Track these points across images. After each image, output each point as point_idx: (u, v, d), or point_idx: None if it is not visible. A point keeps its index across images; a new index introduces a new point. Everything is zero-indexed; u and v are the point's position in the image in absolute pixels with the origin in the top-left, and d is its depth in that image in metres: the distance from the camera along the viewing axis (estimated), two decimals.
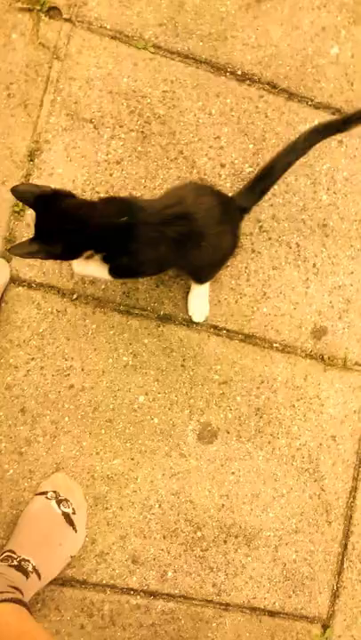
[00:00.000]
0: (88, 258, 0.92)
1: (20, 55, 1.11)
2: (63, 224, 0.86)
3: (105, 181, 1.14)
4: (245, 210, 1.06)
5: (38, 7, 1.12)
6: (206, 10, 1.18)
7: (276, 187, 1.19)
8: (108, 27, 1.15)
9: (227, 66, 1.19)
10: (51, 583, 1.09)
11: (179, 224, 0.91)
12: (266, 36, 1.20)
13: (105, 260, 0.93)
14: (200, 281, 1.12)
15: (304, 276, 1.22)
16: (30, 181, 1.11)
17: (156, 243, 0.92)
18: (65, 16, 1.13)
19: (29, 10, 1.12)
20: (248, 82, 1.20)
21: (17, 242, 1.09)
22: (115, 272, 0.96)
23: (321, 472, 1.22)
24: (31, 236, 0.88)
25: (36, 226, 0.87)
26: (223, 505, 1.19)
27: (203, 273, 1.10)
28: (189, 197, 0.94)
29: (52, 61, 1.12)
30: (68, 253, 0.91)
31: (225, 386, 1.19)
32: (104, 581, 1.13)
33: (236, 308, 1.20)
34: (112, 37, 1.15)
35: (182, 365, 1.18)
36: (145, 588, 1.15)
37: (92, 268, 0.96)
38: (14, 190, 0.86)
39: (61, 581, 1.11)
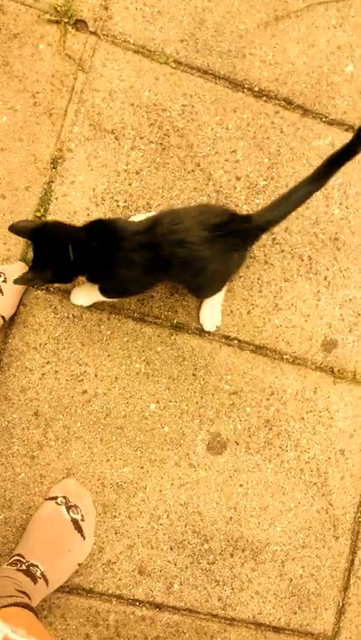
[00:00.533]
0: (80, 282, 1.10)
1: (47, 65, 1.24)
2: (48, 251, 1.02)
3: (124, 190, 1.27)
4: (263, 229, 1.13)
5: (66, 19, 1.24)
6: (226, 27, 1.34)
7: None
8: (132, 41, 1.29)
9: (244, 82, 1.34)
10: (57, 590, 1.18)
11: (144, 251, 1.03)
12: (283, 54, 1.36)
13: (90, 280, 1.10)
14: (199, 297, 1.24)
15: (315, 289, 1.35)
16: (52, 188, 1.23)
17: (130, 265, 1.05)
18: (91, 29, 1.25)
19: (57, 22, 1.24)
20: (265, 98, 1.35)
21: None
22: (103, 292, 1.13)
23: (329, 486, 1.34)
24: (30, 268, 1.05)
25: (33, 256, 1.04)
26: (231, 517, 1.29)
27: (199, 291, 1.21)
28: (165, 222, 1.04)
29: (77, 72, 1.25)
30: (60, 278, 1.07)
31: (235, 396, 1.31)
32: (110, 591, 1.23)
33: (248, 318, 1.33)
34: (135, 51, 1.29)
35: (193, 374, 1.30)
36: (151, 599, 1.25)
37: (84, 294, 1.16)
38: (11, 227, 1.01)
39: (68, 589, 1.20)
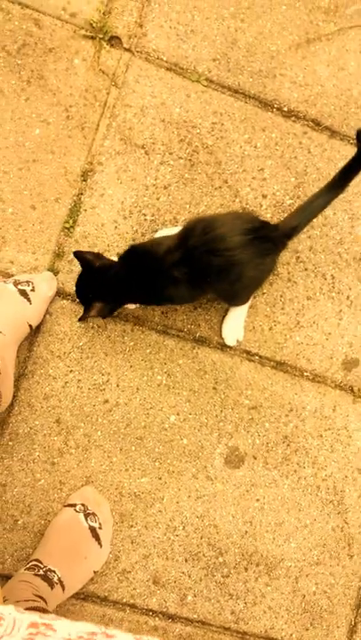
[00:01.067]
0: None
1: (81, 80, 1.26)
2: (109, 284, 1.11)
3: (152, 204, 1.29)
4: (289, 236, 1.15)
5: (101, 35, 1.26)
6: (258, 48, 1.35)
7: (314, 220, 1.34)
8: (165, 58, 1.30)
9: (274, 102, 1.35)
10: (72, 597, 1.18)
11: (181, 266, 1.06)
12: (313, 76, 1.37)
13: (144, 304, 1.19)
14: (232, 304, 1.26)
15: (338, 308, 1.35)
16: (82, 200, 1.24)
17: (175, 284, 1.07)
18: (125, 46, 1.28)
19: (92, 38, 1.26)
20: (293, 118, 1.36)
21: (65, 257, 1.25)
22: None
23: (345, 505, 1.33)
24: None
25: (95, 288, 1.11)
26: (246, 531, 1.29)
27: (234, 299, 1.21)
28: (197, 233, 1.05)
29: (110, 88, 1.27)
30: (116, 307, 1.16)
31: (254, 411, 1.31)
32: (124, 600, 1.23)
33: (270, 335, 1.33)
34: (168, 69, 1.31)
35: (214, 388, 1.30)
36: (164, 610, 1.25)
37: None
38: (77, 254, 1.10)
39: (83, 596, 1.21)
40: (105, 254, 1.23)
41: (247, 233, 1.05)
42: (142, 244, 1.15)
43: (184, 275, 1.05)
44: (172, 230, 1.23)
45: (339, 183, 1.14)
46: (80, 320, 1.16)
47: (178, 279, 1.06)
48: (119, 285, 1.10)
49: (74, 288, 1.19)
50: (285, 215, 1.31)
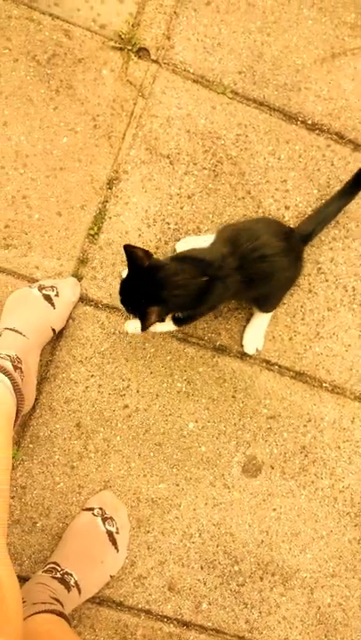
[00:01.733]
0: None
1: (109, 90, 1.27)
2: (170, 290, 1.03)
3: (175, 213, 1.29)
4: (306, 241, 1.22)
5: (129, 47, 1.27)
6: (283, 61, 1.35)
7: (336, 231, 1.34)
8: (192, 70, 1.31)
9: (298, 115, 1.35)
10: (88, 601, 1.18)
11: (237, 274, 1.06)
12: (337, 90, 1.37)
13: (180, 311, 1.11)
14: (265, 310, 1.25)
15: (358, 320, 1.34)
16: (107, 208, 1.25)
17: (223, 292, 1.08)
18: (153, 57, 1.29)
19: (121, 49, 1.27)
20: (317, 131, 1.36)
21: (89, 264, 1.25)
22: (178, 322, 1.14)
23: None
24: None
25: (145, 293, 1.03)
26: (262, 541, 1.28)
27: (268, 304, 1.22)
28: (243, 241, 1.06)
29: (137, 98, 1.28)
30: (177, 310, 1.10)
31: (273, 420, 1.31)
32: (140, 605, 1.22)
33: (290, 345, 1.32)
34: (194, 81, 1.32)
35: (233, 397, 1.30)
36: (179, 617, 1.24)
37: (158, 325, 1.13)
38: (127, 247, 1.02)
39: (99, 600, 1.20)
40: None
41: (284, 239, 1.11)
42: (192, 251, 1.11)
43: (235, 282, 1.06)
44: (195, 239, 1.23)
45: (350, 190, 1.26)
46: (143, 330, 1.03)
47: (229, 288, 1.07)
48: (176, 288, 1.03)
49: (96, 294, 1.20)
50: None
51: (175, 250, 1.25)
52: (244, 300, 1.22)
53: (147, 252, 1.03)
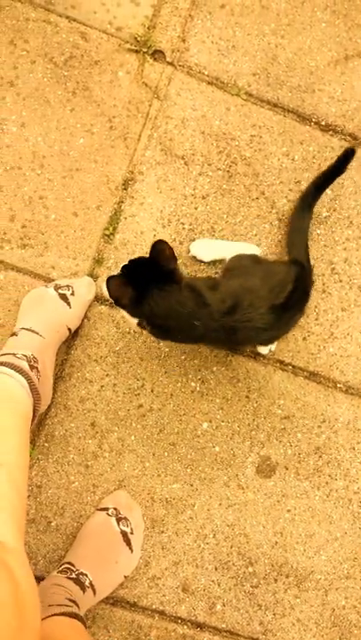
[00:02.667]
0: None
1: (125, 92, 1.26)
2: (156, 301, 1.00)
3: (190, 214, 1.28)
4: (303, 266, 1.19)
5: (145, 49, 1.27)
6: (297, 63, 1.35)
7: (350, 232, 1.32)
8: (206, 72, 1.30)
9: (312, 116, 1.34)
10: (102, 601, 1.16)
11: (221, 331, 1.04)
12: (351, 91, 1.36)
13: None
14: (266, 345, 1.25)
15: None
16: (122, 208, 1.23)
17: (201, 335, 1.06)
18: (168, 59, 1.28)
19: (136, 51, 1.27)
20: (331, 132, 1.35)
21: (105, 264, 1.25)
22: (152, 330, 1.08)
23: None
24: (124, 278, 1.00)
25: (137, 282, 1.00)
26: (277, 542, 1.26)
27: (268, 343, 1.23)
28: (245, 303, 1.03)
29: (152, 100, 1.27)
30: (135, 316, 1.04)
31: (287, 421, 1.29)
32: (154, 606, 1.20)
33: (304, 345, 1.31)
34: (209, 83, 1.31)
35: (247, 397, 1.28)
36: (193, 618, 1.22)
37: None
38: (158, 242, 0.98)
39: (113, 601, 1.18)
40: None
41: (281, 309, 1.07)
42: (202, 287, 1.06)
43: (217, 335, 1.06)
44: (209, 242, 1.22)
45: (311, 201, 1.26)
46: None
47: (211, 337, 1.07)
48: (160, 314, 1.02)
49: None
50: (322, 227, 1.30)
51: (189, 250, 1.24)
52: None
53: (174, 258, 1.01)
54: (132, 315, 1.03)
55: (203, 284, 1.07)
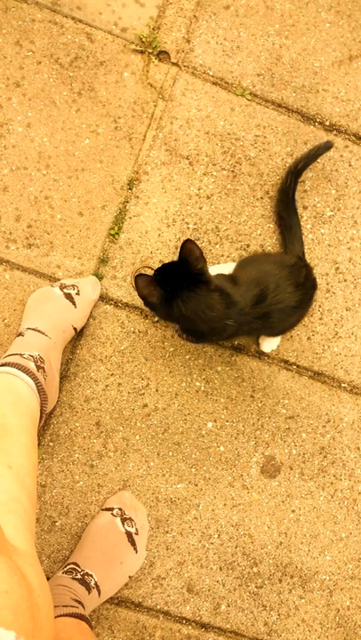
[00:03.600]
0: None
1: (130, 92, 1.25)
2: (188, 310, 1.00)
3: (194, 214, 1.27)
4: (302, 259, 1.21)
5: (150, 50, 1.26)
6: (302, 64, 1.34)
7: (354, 231, 1.31)
8: (211, 73, 1.29)
9: (316, 116, 1.33)
10: (107, 601, 1.14)
11: (258, 321, 1.06)
12: (355, 91, 1.35)
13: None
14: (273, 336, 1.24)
15: None
16: (127, 208, 1.23)
17: (236, 332, 1.08)
18: (173, 60, 1.27)
19: (142, 52, 1.26)
20: (335, 132, 1.34)
21: (110, 263, 1.24)
22: (184, 337, 1.12)
23: None
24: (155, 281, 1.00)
25: (166, 287, 1.00)
26: (281, 542, 1.24)
27: (282, 333, 1.23)
28: (270, 292, 1.04)
29: (157, 100, 1.26)
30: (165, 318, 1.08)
31: (291, 421, 1.27)
32: (158, 606, 1.19)
33: (308, 344, 1.30)
34: (213, 83, 1.30)
35: (251, 396, 1.27)
36: (197, 618, 1.20)
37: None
38: (186, 242, 0.98)
39: (117, 601, 1.16)
40: (148, 261, 1.22)
41: (302, 289, 1.09)
42: (224, 284, 1.07)
43: (252, 327, 1.08)
44: (217, 268, 1.21)
45: (291, 203, 1.25)
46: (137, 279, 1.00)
47: (244, 330, 1.09)
48: (193, 317, 1.02)
49: (117, 293, 1.18)
50: (326, 227, 1.28)
51: None
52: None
53: (203, 258, 1.00)
54: (162, 317, 1.05)
55: (225, 281, 1.07)
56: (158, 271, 1.03)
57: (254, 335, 1.24)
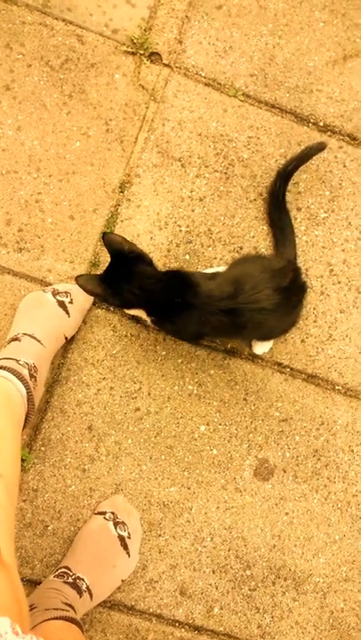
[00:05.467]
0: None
1: (121, 94, 1.21)
2: (131, 286, 0.98)
3: (187, 216, 1.23)
4: (293, 262, 1.18)
5: (141, 51, 1.22)
6: (295, 64, 1.29)
7: (348, 233, 1.27)
8: (203, 74, 1.25)
9: (310, 117, 1.29)
10: (99, 605, 1.12)
11: (224, 317, 1.01)
12: (349, 91, 1.30)
13: (150, 315, 1.06)
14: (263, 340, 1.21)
15: None
16: (119, 211, 1.20)
17: (202, 323, 1.03)
18: (165, 61, 1.23)
19: (133, 53, 1.22)
20: (329, 133, 1.29)
21: (102, 267, 1.21)
22: (156, 324, 1.09)
23: None
24: (99, 275, 1.01)
25: (108, 273, 1.00)
26: (275, 545, 1.22)
27: (267, 339, 1.19)
28: (247, 290, 1.00)
29: (149, 102, 1.22)
30: (124, 306, 1.05)
31: (285, 424, 1.24)
32: (151, 610, 1.16)
33: (302, 347, 1.26)
34: (206, 84, 1.26)
35: (244, 399, 1.23)
36: (190, 621, 1.18)
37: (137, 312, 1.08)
38: (104, 236, 1.00)
39: (110, 604, 1.14)
40: None
41: (284, 293, 1.04)
42: (190, 274, 1.08)
43: (219, 322, 1.02)
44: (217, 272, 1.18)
45: (282, 205, 1.21)
46: (77, 280, 1.01)
47: (211, 323, 1.03)
48: (138, 288, 1.01)
49: None
50: (320, 228, 1.25)
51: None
52: (239, 340, 1.21)
53: (130, 244, 1.01)
54: (121, 305, 1.04)
55: (200, 276, 1.06)
56: (103, 273, 1.02)
57: (233, 338, 1.20)
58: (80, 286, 1.00)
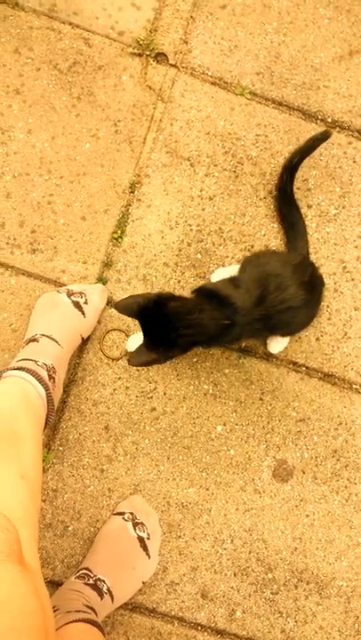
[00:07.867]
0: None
1: (129, 96, 1.64)
2: (177, 330, 1.28)
3: (197, 215, 1.66)
4: (306, 257, 1.58)
5: (148, 52, 1.64)
6: (301, 61, 1.75)
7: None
8: (210, 73, 1.68)
9: (318, 113, 1.74)
10: (121, 607, 1.46)
11: (259, 324, 1.36)
12: (357, 87, 1.75)
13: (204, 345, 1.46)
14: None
15: None
16: (129, 211, 1.62)
17: (241, 333, 1.40)
18: (171, 62, 1.65)
19: (139, 55, 1.65)
20: (338, 129, 1.73)
21: (114, 267, 1.63)
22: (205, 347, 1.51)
23: None
24: (142, 345, 1.31)
25: (148, 335, 1.30)
26: (296, 548, 1.61)
27: (291, 333, 1.59)
28: (272, 291, 1.35)
29: (156, 103, 1.65)
30: (186, 351, 1.39)
31: (302, 424, 1.65)
32: (173, 612, 1.54)
33: (317, 345, 1.68)
34: (212, 83, 1.70)
35: (260, 399, 1.65)
36: (213, 625, 1.55)
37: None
38: (117, 306, 1.30)
39: (131, 607, 1.50)
40: (152, 264, 1.62)
41: (309, 287, 1.43)
42: (220, 287, 1.42)
43: (254, 329, 1.40)
44: (226, 270, 1.58)
45: (291, 199, 1.62)
46: (131, 364, 1.37)
47: (247, 332, 1.42)
48: (188, 328, 1.31)
49: (122, 297, 1.58)
50: (331, 225, 1.68)
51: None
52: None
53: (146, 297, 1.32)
54: (188, 349, 1.42)
55: (224, 285, 1.42)
56: (144, 340, 1.32)
57: (261, 337, 1.62)
58: (139, 365, 1.38)
